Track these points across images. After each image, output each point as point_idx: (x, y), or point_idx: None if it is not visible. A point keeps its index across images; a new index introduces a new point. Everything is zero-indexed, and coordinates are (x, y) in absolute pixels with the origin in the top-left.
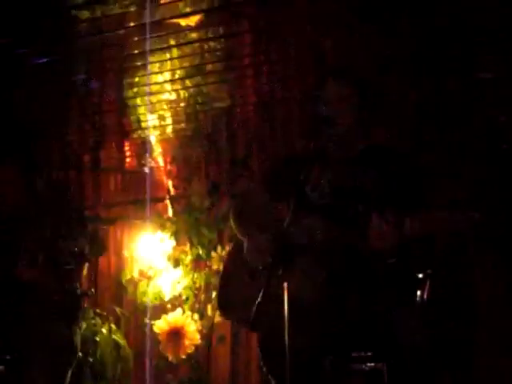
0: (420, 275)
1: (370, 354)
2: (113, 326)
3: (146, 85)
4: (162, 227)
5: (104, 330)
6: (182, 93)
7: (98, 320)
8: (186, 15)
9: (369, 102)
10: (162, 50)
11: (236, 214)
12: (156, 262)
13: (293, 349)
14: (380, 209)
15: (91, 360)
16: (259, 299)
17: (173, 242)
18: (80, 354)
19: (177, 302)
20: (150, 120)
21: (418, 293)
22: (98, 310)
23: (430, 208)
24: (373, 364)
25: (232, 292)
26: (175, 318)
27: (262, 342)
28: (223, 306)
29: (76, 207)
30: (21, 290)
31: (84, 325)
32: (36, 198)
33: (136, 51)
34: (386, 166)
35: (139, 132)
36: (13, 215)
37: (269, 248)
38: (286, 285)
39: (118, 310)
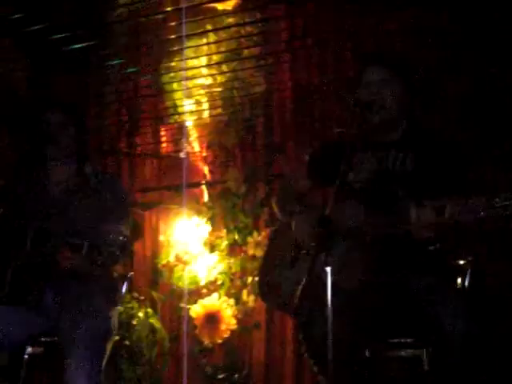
0: (461, 262)
1: (409, 340)
2: (149, 310)
3: (182, 70)
4: (198, 212)
5: (140, 314)
6: (218, 78)
7: (135, 304)
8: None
9: (410, 86)
10: (199, 34)
11: (280, 197)
12: (192, 247)
13: (334, 334)
14: (421, 194)
15: (127, 343)
16: (303, 284)
17: (209, 227)
18: (117, 337)
19: (212, 286)
20: (187, 105)
21: (459, 280)
22: (134, 294)
23: (472, 194)
24: (412, 350)
25: (273, 277)
26: (211, 302)
27: (303, 327)
28: (264, 291)
29: (123, 193)
30: (62, 275)
31: (121, 309)
32: (85, 183)
33: (172, 36)
34: (428, 150)
35: (175, 117)
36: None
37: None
38: (328, 270)
39: (154, 294)
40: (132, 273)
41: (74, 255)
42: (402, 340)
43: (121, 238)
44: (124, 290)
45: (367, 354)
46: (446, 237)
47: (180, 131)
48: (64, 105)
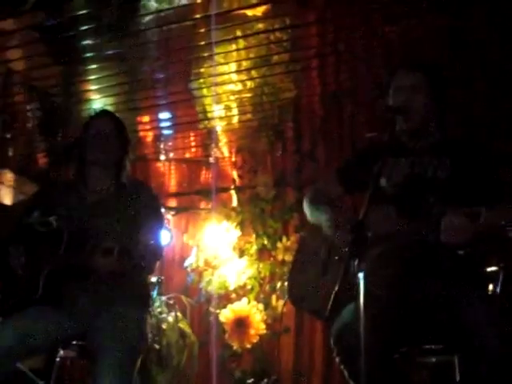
0: (493, 268)
1: (440, 346)
2: (179, 314)
3: (212, 75)
4: (228, 217)
5: (170, 318)
6: (248, 83)
7: (165, 308)
8: (252, 6)
9: (442, 91)
10: (228, 40)
11: (312, 200)
12: (221, 251)
13: (366, 340)
14: (454, 200)
15: (157, 347)
16: (336, 289)
17: (238, 232)
18: (148, 341)
19: (241, 291)
20: (216, 110)
21: (491, 286)
22: (164, 298)
23: (506, 200)
24: (444, 357)
25: (303, 282)
26: (241, 307)
27: (335, 333)
28: (294, 296)
29: (158, 202)
30: (95, 278)
31: (152, 313)
32: (122, 191)
33: (202, 42)
34: (461, 156)
35: (205, 122)
36: (98, 206)
37: (345, 238)
38: (361, 275)
39: (183, 298)
40: (162, 277)
41: (106, 259)
42: (434, 346)
43: (152, 242)
44: (154, 294)
45: (398, 359)
46: (477, 243)
47: (210, 136)
48: (107, 111)
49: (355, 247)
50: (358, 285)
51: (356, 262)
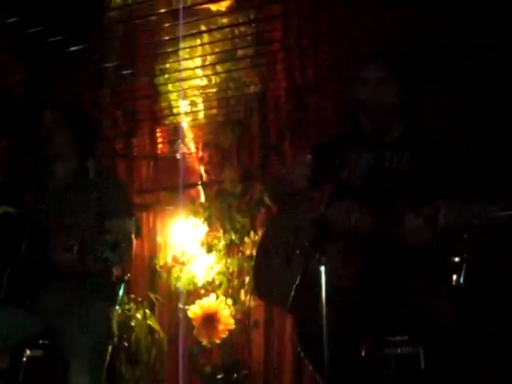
0: (456, 259)
1: (406, 338)
2: (147, 311)
3: (177, 71)
4: (195, 213)
5: (139, 315)
6: (213, 78)
7: (133, 305)
8: (216, 0)
9: (407, 86)
10: (193, 35)
11: (273, 195)
12: (189, 247)
13: (330, 333)
14: (416, 195)
15: (126, 345)
16: (297, 282)
17: (206, 228)
18: (115, 338)
19: (210, 287)
20: (182, 106)
21: (454, 277)
22: (132, 296)
23: (467, 200)
24: (409, 348)
25: (267, 275)
26: (209, 303)
27: (299, 326)
28: (259, 289)
29: (125, 188)
30: (58, 276)
31: (119, 310)
32: (85, 178)
33: (167, 37)
34: (425, 152)
35: (171, 118)
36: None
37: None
38: (323, 269)
39: (152, 295)
40: (129, 274)
41: (66, 256)
42: (399, 338)
43: (117, 236)
44: (122, 291)
45: (363, 352)
46: (439, 240)
47: (176, 132)
48: (60, 104)
49: (316, 241)
50: (319, 278)
51: (317, 256)
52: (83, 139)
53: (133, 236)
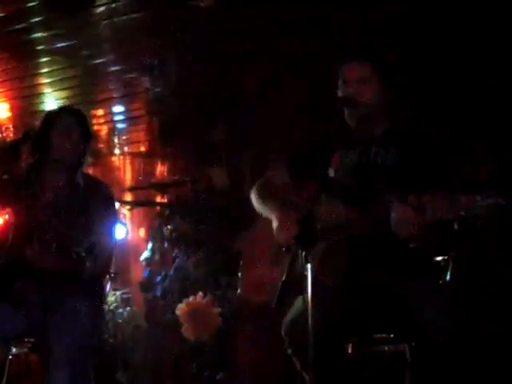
0: (443, 258)
1: (391, 336)
2: (134, 308)
3: None
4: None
5: (125, 313)
6: None
7: (120, 303)
8: None
9: (390, 83)
10: None
11: (259, 194)
12: None
13: (316, 330)
14: (402, 189)
15: (112, 341)
16: (283, 279)
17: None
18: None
19: (198, 285)
20: None
21: (441, 276)
22: (119, 293)
23: (453, 191)
24: (395, 346)
25: (255, 274)
26: (197, 300)
27: (285, 324)
28: (247, 287)
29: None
30: (44, 275)
31: (106, 307)
32: (75, 191)
33: None
34: (409, 146)
35: None
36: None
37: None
38: (308, 267)
39: (139, 292)
40: (117, 272)
41: (45, 256)
42: (385, 336)
43: (90, 240)
44: (108, 289)
45: (349, 349)
46: (426, 235)
47: None
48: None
49: (303, 239)
50: (305, 276)
51: (303, 255)
52: (85, 144)
53: (112, 249)
